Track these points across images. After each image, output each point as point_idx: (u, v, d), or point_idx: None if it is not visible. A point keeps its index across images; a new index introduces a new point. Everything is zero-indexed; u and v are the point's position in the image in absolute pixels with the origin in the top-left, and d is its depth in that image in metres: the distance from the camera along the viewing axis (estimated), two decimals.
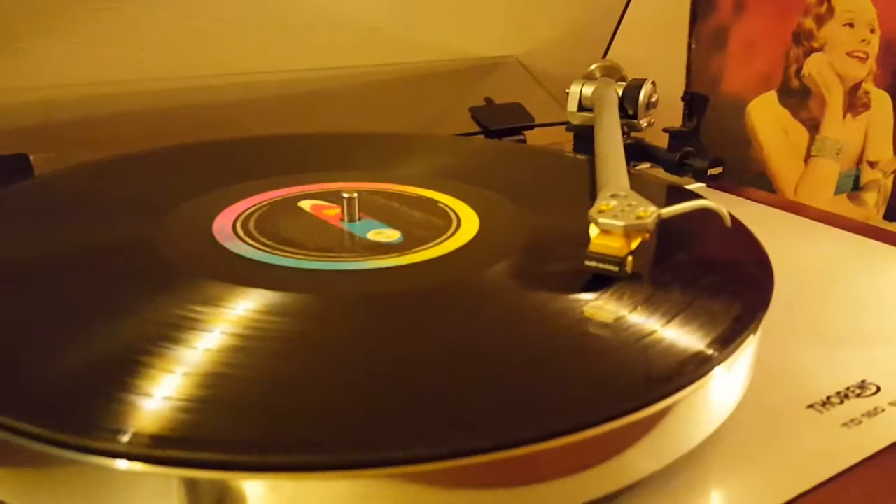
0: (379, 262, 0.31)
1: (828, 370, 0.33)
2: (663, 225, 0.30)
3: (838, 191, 0.64)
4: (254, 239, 0.33)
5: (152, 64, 0.52)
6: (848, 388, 0.31)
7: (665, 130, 0.52)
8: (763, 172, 0.68)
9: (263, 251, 0.32)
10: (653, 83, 0.49)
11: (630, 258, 0.29)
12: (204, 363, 0.25)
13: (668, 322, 0.28)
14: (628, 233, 0.29)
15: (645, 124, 0.50)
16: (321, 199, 0.38)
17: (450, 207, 0.37)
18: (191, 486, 0.21)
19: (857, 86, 0.62)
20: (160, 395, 0.23)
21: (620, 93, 0.49)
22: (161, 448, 0.21)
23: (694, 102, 0.53)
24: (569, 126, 0.52)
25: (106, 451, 0.21)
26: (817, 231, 0.49)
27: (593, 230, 0.30)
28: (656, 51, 0.70)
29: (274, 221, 0.35)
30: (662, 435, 0.25)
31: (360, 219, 0.35)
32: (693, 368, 0.26)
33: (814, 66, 0.64)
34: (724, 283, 0.31)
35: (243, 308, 0.28)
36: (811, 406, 0.30)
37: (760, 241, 0.35)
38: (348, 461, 0.21)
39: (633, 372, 0.26)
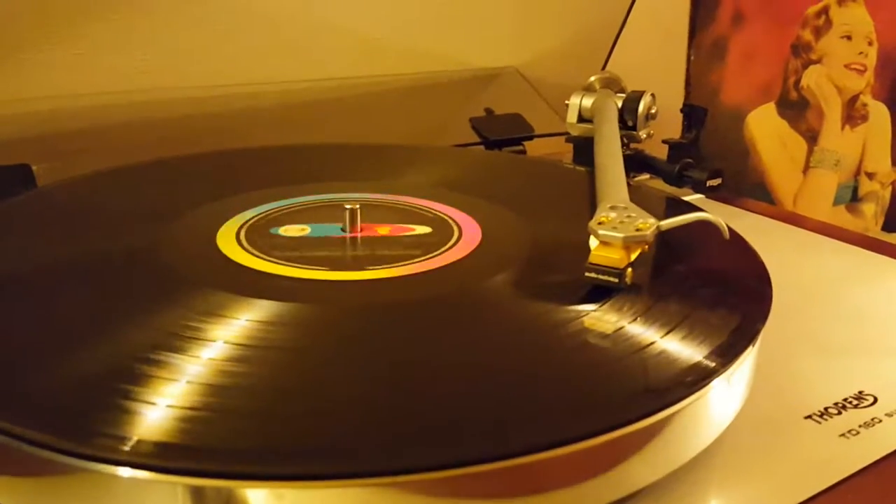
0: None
1: (826, 381, 0.33)
2: (662, 237, 0.31)
3: (837, 202, 0.64)
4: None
5: (154, 74, 0.52)
6: (846, 399, 0.32)
7: (664, 142, 0.52)
8: (762, 183, 0.68)
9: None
10: (652, 95, 0.50)
11: (630, 270, 0.29)
12: (209, 372, 0.25)
13: (668, 333, 0.28)
14: (627, 244, 0.30)
15: (644, 136, 0.50)
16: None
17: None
18: (196, 494, 0.21)
19: (854, 98, 0.62)
20: (167, 404, 0.23)
21: (620, 104, 0.49)
22: (167, 456, 0.22)
23: (693, 115, 0.53)
24: (568, 137, 0.52)
25: (112, 458, 0.22)
26: (816, 242, 0.49)
27: (593, 242, 0.30)
28: (655, 62, 0.70)
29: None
30: (662, 445, 0.25)
31: (361, 229, 0.36)
32: (693, 380, 0.26)
33: (812, 78, 0.64)
34: (723, 294, 0.32)
35: (247, 318, 0.28)
36: (809, 416, 0.31)
37: (759, 252, 0.35)
38: (352, 470, 0.22)
39: (632, 383, 0.26)
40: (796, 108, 0.66)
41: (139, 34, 0.50)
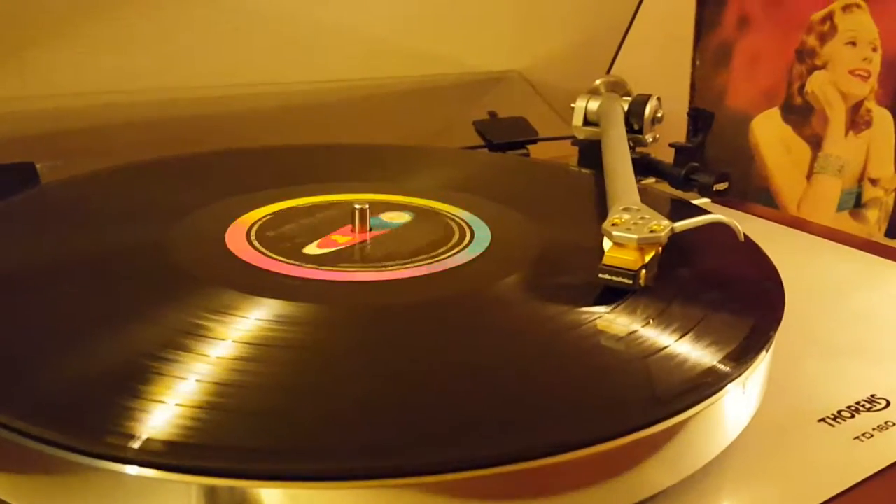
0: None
1: (837, 384, 0.33)
2: (676, 240, 0.31)
3: (840, 207, 0.64)
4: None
5: (158, 74, 0.52)
6: (858, 402, 0.32)
7: (671, 146, 0.52)
8: (766, 187, 0.68)
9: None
10: (658, 99, 0.50)
11: (643, 271, 0.29)
12: (219, 371, 0.25)
13: (682, 337, 0.28)
14: (641, 246, 0.29)
15: (650, 139, 0.50)
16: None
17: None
18: (209, 494, 0.21)
19: (859, 104, 0.62)
20: (177, 402, 0.23)
21: (626, 108, 0.49)
22: (176, 455, 0.21)
23: (699, 119, 0.53)
24: (574, 140, 0.52)
25: (122, 457, 0.21)
26: (821, 247, 0.49)
27: (607, 243, 0.30)
28: (660, 66, 0.70)
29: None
30: (676, 450, 0.25)
31: (371, 229, 0.35)
32: (707, 384, 0.26)
33: (816, 84, 0.64)
34: (737, 299, 0.32)
35: (256, 316, 0.28)
36: (823, 420, 0.30)
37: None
38: (365, 470, 0.21)
39: (647, 387, 0.26)
40: (801, 114, 0.66)
41: (143, 34, 0.50)
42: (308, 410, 0.24)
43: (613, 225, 0.30)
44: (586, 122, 0.51)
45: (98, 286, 0.31)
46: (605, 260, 0.29)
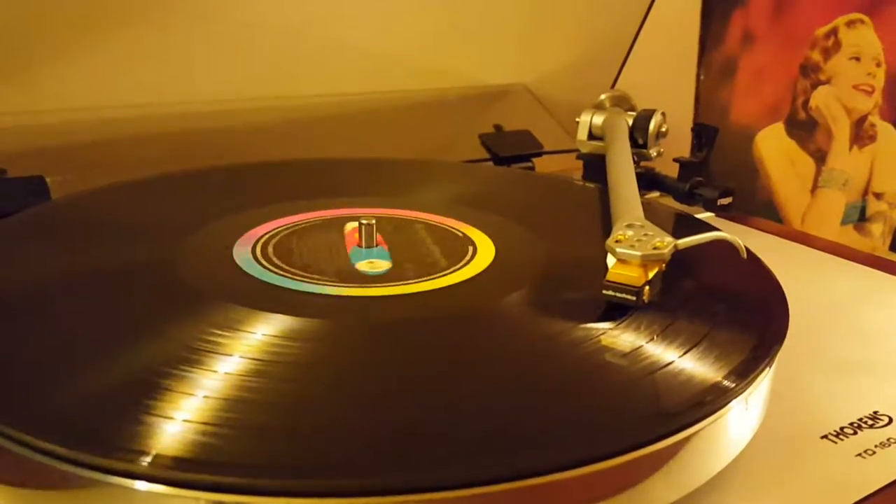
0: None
1: (840, 400, 0.33)
2: (679, 256, 0.31)
3: (844, 222, 0.64)
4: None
5: (169, 88, 0.52)
6: (861, 419, 0.32)
7: (675, 160, 0.52)
8: (770, 202, 0.69)
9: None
10: (662, 113, 0.50)
11: (647, 288, 0.29)
12: (226, 387, 0.25)
13: (685, 353, 0.28)
14: (645, 263, 0.30)
15: (655, 154, 0.50)
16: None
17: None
18: None
19: (863, 118, 0.63)
20: (185, 418, 0.23)
21: (630, 122, 0.50)
22: (185, 470, 0.22)
23: (703, 133, 0.53)
24: (579, 154, 0.52)
25: (130, 472, 0.22)
26: (824, 261, 0.49)
27: (610, 260, 0.30)
28: (665, 81, 0.71)
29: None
30: (678, 467, 0.25)
31: (376, 245, 0.36)
32: (710, 400, 0.26)
33: (821, 99, 0.64)
34: (740, 314, 0.32)
35: (263, 332, 0.28)
36: (825, 436, 0.31)
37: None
38: (372, 486, 0.22)
39: (650, 403, 0.26)
40: (805, 128, 0.66)
41: (153, 49, 0.51)
42: (315, 426, 0.24)
43: (617, 241, 0.30)
44: (591, 136, 0.51)
45: (105, 301, 0.31)
46: (609, 276, 0.29)
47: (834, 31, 0.63)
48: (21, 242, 0.36)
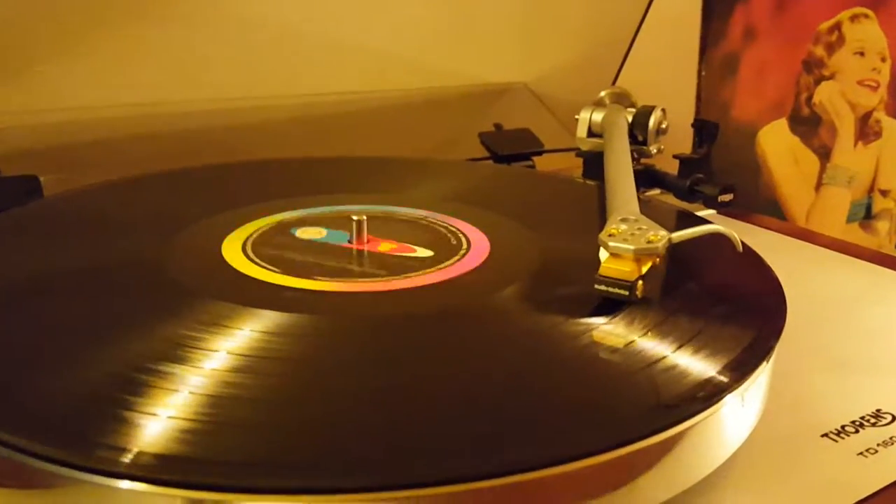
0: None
1: (842, 399, 0.32)
2: (674, 250, 0.30)
3: (850, 219, 0.63)
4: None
5: (166, 87, 0.52)
6: (863, 417, 0.31)
7: (676, 157, 0.52)
8: (773, 199, 0.68)
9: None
10: (663, 110, 0.49)
11: (640, 282, 0.29)
12: (211, 383, 0.25)
13: (680, 348, 0.27)
14: (638, 257, 0.29)
15: (655, 151, 0.50)
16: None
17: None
18: None
19: (868, 114, 0.62)
20: (169, 415, 0.23)
21: (630, 119, 0.49)
22: (168, 469, 0.21)
23: (704, 130, 0.53)
24: (579, 152, 0.52)
25: (111, 471, 0.21)
26: (829, 259, 0.48)
27: (603, 254, 0.30)
28: (666, 78, 0.70)
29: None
30: (674, 462, 0.25)
31: (368, 241, 0.35)
32: (705, 395, 0.25)
33: (825, 94, 0.64)
34: (737, 309, 0.31)
35: (250, 329, 0.28)
36: (826, 435, 0.30)
37: (771, 268, 0.35)
38: (356, 484, 0.21)
39: (643, 398, 0.26)
40: (808, 125, 0.65)
41: (151, 48, 0.51)
42: (299, 424, 0.24)
43: (610, 235, 0.30)
44: (590, 133, 0.51)
45: (91, 298, 0.31)
46: (601, 271, 0.29)
47: (837, 26, 0.62)
48: (12, 240, 0.36)
